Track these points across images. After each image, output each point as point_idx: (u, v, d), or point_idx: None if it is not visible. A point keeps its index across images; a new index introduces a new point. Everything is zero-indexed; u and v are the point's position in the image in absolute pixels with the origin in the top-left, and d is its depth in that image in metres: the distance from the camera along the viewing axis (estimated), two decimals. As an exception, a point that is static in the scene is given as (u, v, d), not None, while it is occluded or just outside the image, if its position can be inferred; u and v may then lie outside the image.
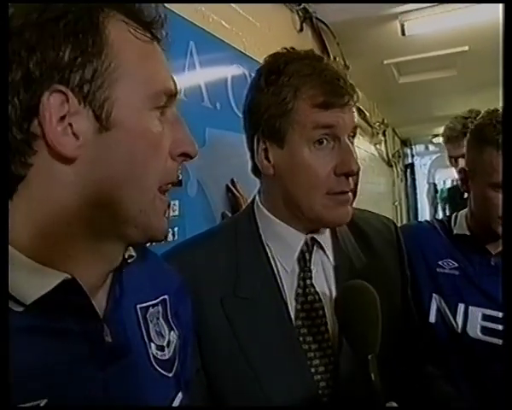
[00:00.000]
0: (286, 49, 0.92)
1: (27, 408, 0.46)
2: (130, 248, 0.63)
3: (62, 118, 0.51)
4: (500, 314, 1.16)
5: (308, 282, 0.90)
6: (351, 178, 0.86)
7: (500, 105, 1.30)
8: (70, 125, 0.51)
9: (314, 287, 0.90)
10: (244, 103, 0.94)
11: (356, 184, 0.90)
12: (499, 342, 1.15)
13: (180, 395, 0.69)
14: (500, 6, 2.58)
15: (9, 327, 0.48)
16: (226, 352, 0.86)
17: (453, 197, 2.42)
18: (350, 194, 0.88)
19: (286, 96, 0.85)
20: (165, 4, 0.59)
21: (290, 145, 0.86)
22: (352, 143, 0.89)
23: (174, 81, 0.60)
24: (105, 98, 0.51)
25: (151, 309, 0.68)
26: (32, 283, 0.51)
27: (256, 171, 0.95)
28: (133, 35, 0.54)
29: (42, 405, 0.47)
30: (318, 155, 0.85)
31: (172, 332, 0.71)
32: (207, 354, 0.86)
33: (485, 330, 1.17)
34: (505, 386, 0.61)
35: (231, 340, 0.85)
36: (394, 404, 0.73)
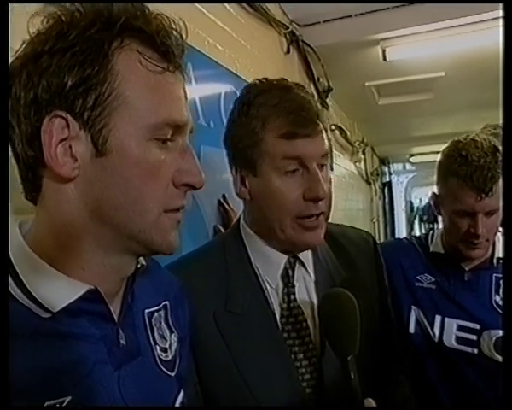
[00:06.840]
0: (259, 80, 0.94)
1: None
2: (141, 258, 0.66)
3: (63, 140, 0.53)
4: (472, 325, 1.24)
5: (292, 297, 0.94)
6: (321, 202, 0.88)
7: (473, 128, 1.38)
8: (70, 147, 0.53)
9: (297, 301, 0.94)
10: (224, 134, 0.97)
11: (329, 207, 0.92)
12: (472, 350, 1.23)
13: (182, 392, 0.72)
14: (475, 35, 2.73)
15: (38, 332, 0.51)
16: (219, 363, 0.88)
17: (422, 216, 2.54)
18: (321, 217, 0.90)
19: (255, 127, 0.87)
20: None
21: (262, 174, 0.89)
22: (323, 168, 0.90)
23: (186, 112, 0.59)
24: (103, 125, 0.53)
25: (155, 314, 0.71)
26: (59, 292, 0.54)
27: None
28: (143, 66, 0.55)
29: (66, 401, 0.50)
30: (288, 181, 0.87)
31: (173, 335, 0.74)
32: (202, 366, 0.88)
33: (459, 339, 1.25)
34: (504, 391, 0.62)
35: (224, 352, 0.88)
36: (371, 400, 0.79)
